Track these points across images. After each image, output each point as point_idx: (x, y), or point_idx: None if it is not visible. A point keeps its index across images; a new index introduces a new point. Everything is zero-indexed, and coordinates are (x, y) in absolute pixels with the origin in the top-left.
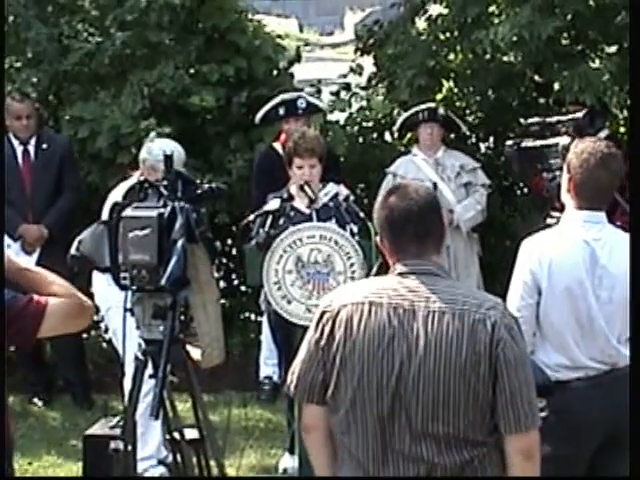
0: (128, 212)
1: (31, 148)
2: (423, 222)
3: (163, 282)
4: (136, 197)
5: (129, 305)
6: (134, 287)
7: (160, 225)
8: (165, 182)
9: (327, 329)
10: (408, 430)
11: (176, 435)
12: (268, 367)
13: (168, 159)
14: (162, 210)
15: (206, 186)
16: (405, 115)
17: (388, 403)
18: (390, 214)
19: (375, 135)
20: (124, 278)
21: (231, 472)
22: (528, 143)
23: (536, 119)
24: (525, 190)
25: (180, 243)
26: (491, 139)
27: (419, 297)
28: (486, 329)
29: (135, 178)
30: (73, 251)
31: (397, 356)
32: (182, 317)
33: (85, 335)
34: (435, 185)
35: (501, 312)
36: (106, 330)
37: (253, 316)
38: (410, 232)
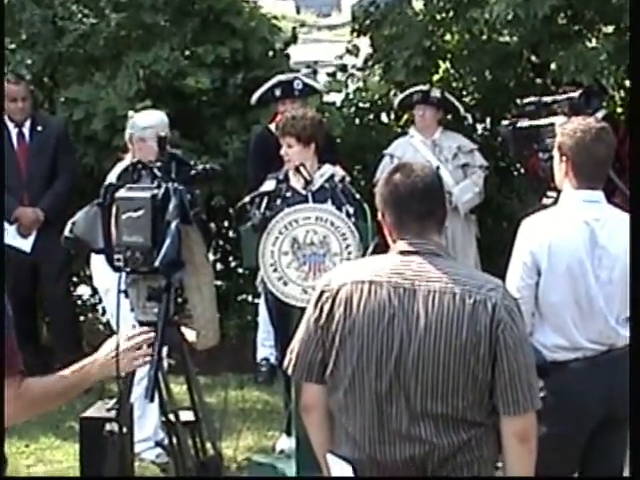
0: (121, 193)
1: (26, 130)
2: (427, 200)
3: (157, 264)
4: (130, 178)
5: (123, 287)
6: (128, 269)
7: (154, 206)
8: (159, 163)
9: (326, 308)
10: (406, 410)
11: (171, 417)
12: (265, 349)
13: (162, 140)
14: (156, 191)
15: (200, 167)
16: (399, 97)
17: (387, 382)
18: (395, 190)
19: (372, 116)
20: (118, 260)
21: (228, 453)
22: (523, 123)
23: (532, 99)
24: (522, 171)
25: (174, 224)
26: (488, 120)
27: (420, 277)
28: (487, 310)
29: (128, 160)
30: (67, 233)
31: (397, 335)
32: (177, 299)
33: (82, 318)
34: (437, 168)
35: (502, 294)
36: (104, 312)
37: (250, 298)
38: (414, 209)
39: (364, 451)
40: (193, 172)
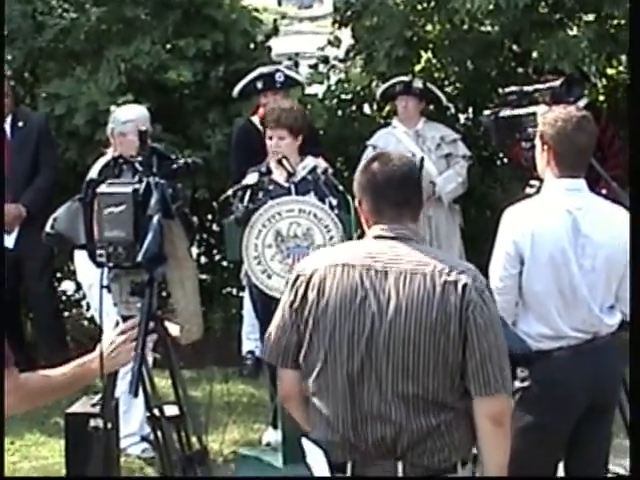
0: (103, 188)
1: (7, 127)
2: (403, 188)
3: (139, 258)
4: (111, 173)
5: (106, 282)
6: (110, 264)
7: (135, 201)
8: (140, 158)
9: (300, 292)
10: (377, 390)
11: (156, 412)
12: (250, 342)
13: (142, 134)
14: (137, 186)
15: (182, 161)
16: (381, 88)
17: (358, 363)
18: (372, 178)
19: (354, 108)
20: (100, 255)
21: (214, 447)
22: (505, 112)
23: (513, 88)
24: (505, 160)
25: (156, 219)
26: (470, 110)
27: (392, 259)
28: (457, 291)
29: (110, 154)
30: (48, 229)
31: (368, 316)
32: (160, 293)
33: (66, 313)
34: (422, 159)
35: (473, 276)
36: (88, 308)
37: (234, 291)
38: (390, 197)
39: (337, 432)
40: (175, 166)
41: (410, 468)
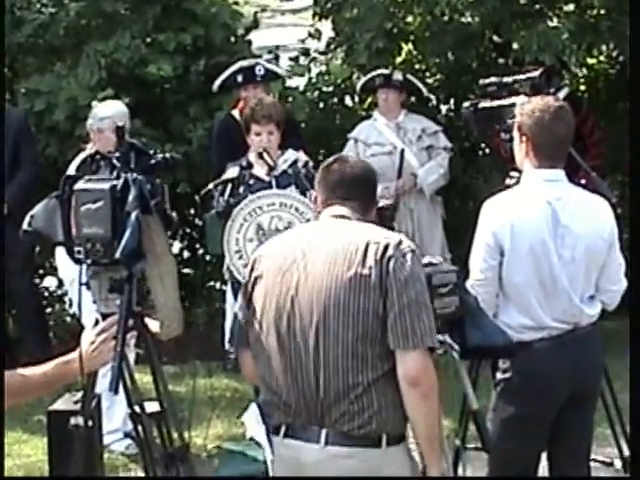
0: (80, 185)
1: None
2: (352, 187)
3: (118, 255)
4: (88, 170)
5: (85, 279)
6: (89, 261)
7: (113, 197)
8: (117, 154)
9: (249, 272)
10: (304, 349)
11: (137, 408)
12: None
13: (119, 130)
14: (115, 182)
15: (160, 156)
16: (361, 81)
17: (285, 322)
18: (327, 175)
19: (335, 100)
20: (78, 252)
21: (198, 442)
22: (485, 104)
23: (493, 79)
24: (487, 151)
25: (134, 215)
26: (452, 101)
27: (326, 232)
28: (378, 250)
29: (89, 150)
30: (25, 226)
31: (294, 276)
32: (140, 290)
33: (49, 309)
34: (402, 151)
35: (397, 240)
36: (71, 304)
37: (218, 285)
38: (339, 193)
39: (274, 394)
40: (153, 161)
41: (333, 435)
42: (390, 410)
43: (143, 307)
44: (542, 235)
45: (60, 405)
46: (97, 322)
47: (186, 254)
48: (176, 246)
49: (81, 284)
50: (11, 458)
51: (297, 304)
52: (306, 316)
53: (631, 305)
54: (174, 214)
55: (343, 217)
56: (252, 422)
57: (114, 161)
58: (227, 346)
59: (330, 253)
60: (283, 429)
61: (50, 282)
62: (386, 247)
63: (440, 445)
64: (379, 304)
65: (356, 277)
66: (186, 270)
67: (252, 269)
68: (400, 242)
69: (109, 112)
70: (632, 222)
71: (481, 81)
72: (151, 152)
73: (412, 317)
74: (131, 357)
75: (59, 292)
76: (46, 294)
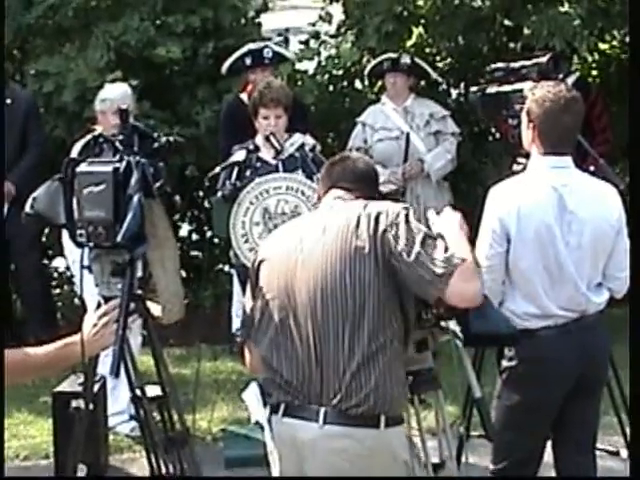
0: (83, 168)
1: None
2: (353, 183)
3: (119, 238)
4: (91, 152)
5: (87, 262)
6: (90, 244)
7: (115, 180)
8: (120, 136)
9: (252, 262)
10: (303, 325)
11: (138, 392)
12: (240, 320)
13: (123, 112)
14: (117, 165)
15: (164, 139)
16: (370, 65)
17: (286, 302)
18: (329, 172)
19: (345, 83)
20: (80, 235)
21: (203, 425)
22: (492, 89)
23: (500, 65)
24: (497, 136)
25: (136, 198)
26: (462, 85)
27: (321, 213)
28: (370, 219)
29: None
30: (27, 209)
31: (293, 258)
32: (141, 273)
33: (58, 290)
34: (408, 135)
35: (387, 209)
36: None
37: (226, 268)
38: (340, 186)
39: (272, 370)
40: (156, 144)
41: (332, 414)
42: (387, 388)
43: (145, 290)
44: (548, 221)
45: (65, 386)
46: (99, 305)
47: (194, 237)
48: (184, 229)
49: (82, 267)
50: (17, 439)
51: (297, 284)
52: (305, 294)
53: (631, 297)
54: (177, 197)
55: (339, 198)
56: (252, 400)
57: (117, 144)
58: (234, 329)
59: (325, 231)
60: (282, 407)
61: (59, 263)
62: (378, 215)
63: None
64: (375, 275)
65: (351, 250)
66: (194, 253)
67: (256, 256)
68: (388, 210)
69: (111, 94)
70: (632, 214)
71: (488, 66)
72: (154, 135)
73: (426, 269)
74: (138, 340)
75: (68, 273)
76: (55, 275)
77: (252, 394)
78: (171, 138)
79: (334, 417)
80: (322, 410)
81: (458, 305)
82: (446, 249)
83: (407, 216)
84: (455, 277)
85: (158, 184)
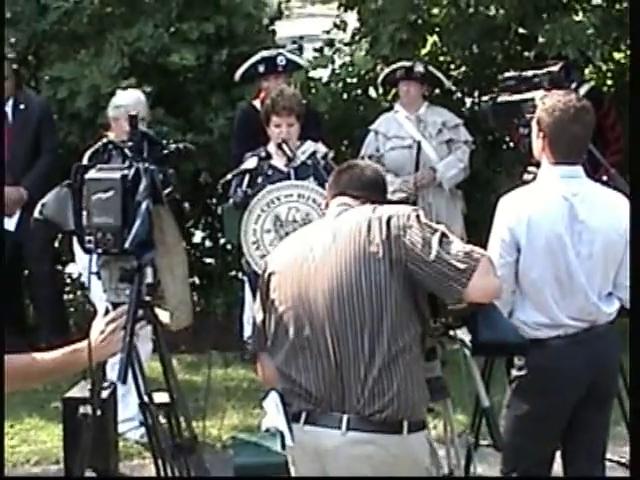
0: (91, 174)
1: (8, 109)
2: (360, 190)
3: (127, 245)
4: (101, 158)
5: (95, 269)
6: (99, 250)
7: (124, 187)
8: (130, 143)
9: (262, 273)
10: (320, 333)
11: (146, 399)
12: (251, 327)
13: (132, 118)
14: (126, 172)
15: (173, 146)
16: (383, 73)
17: (301, 312)
18: (338, 177)
19: (359, 91)
20: (89, 241)
21: (213, 432)
22: (503, 98)
23: (512, 73)
24: (511, 145)
25: (145, 205)
26: (476, 94)
27: (330, 220)
28: (381, 223)
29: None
30: (36, 214)
31: (305, 267)
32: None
33: (71, 296)
34: (419, 143)
35: (397, 212)
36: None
37: (239, 275)
38: (348, 194)
39: (290, 380)
40: (165, 151)
41: (354, 421)
42: (409, 392)
43: (153, 297)
44: (559, 230)
45: (76, 392)
46: (107, 311)
47: (207, 243)
48: (198, 235)
49: (91, 273)
50: (27, 444)
51: (311, 292)
52: (321, 301)
53: (631, 307)
54: (186, 204)
55: (345, 204)
56: (272, 408)
57: (126, 151)
58: (246, 337)
59: (336, 237)
60: (304, 416)
61: (72, 269)
62: (389, 219)
63: None
64: (391, 278)
65: (365, 255)
66: (207, 260)
67: (266, 268)
68: (399, 213)
69: (124, 101)
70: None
71: (501, 75)
72: (164, 142)
73: (447, 262)
74: (149, 346)
75: (81, 279)
76: (68, 281)
77: (272, 402)
78: (180, 145)
79: (357, 423)
80: (345, 417)
81: (479, 300)
82: (463, 245)
83: (418, 217)
84: (477, 271)
85: (167, 191)
